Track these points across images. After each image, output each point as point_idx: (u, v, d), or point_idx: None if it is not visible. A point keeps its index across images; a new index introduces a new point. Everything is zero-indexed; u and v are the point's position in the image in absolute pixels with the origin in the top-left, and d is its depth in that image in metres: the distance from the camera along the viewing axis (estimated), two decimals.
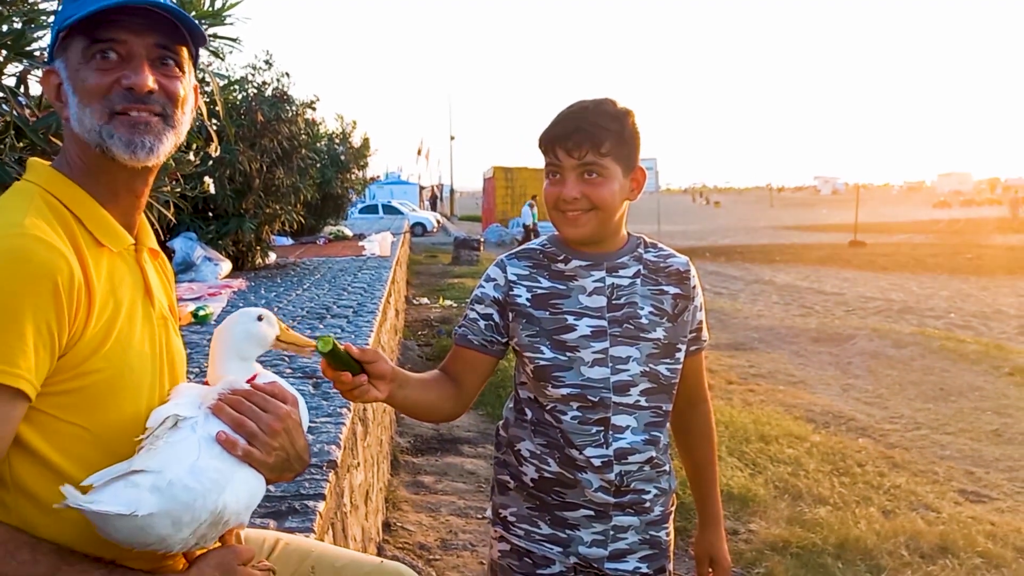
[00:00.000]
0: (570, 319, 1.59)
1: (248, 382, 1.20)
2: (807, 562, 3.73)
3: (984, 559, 3.79)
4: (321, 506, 2.05)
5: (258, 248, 8.33)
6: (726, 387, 7.17)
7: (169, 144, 1.15)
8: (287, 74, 8.32)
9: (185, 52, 1.17)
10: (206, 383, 1.24)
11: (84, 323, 1.05)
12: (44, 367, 1.01)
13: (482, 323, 1.63)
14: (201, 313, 4.78)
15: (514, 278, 1.63)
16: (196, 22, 1.15)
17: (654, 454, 1.62)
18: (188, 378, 1.33)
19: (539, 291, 1.61)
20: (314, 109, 9.03)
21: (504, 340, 1.64)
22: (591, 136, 1.50)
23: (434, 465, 5.10)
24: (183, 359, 1.30)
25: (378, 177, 24.77)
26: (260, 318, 1.26)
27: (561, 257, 1.62)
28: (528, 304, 1.61)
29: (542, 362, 1.59)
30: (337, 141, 13.28)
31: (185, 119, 1.18)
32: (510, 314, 1.62)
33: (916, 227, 34.68)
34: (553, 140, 1.54)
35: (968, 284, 15.25)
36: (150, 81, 1.10)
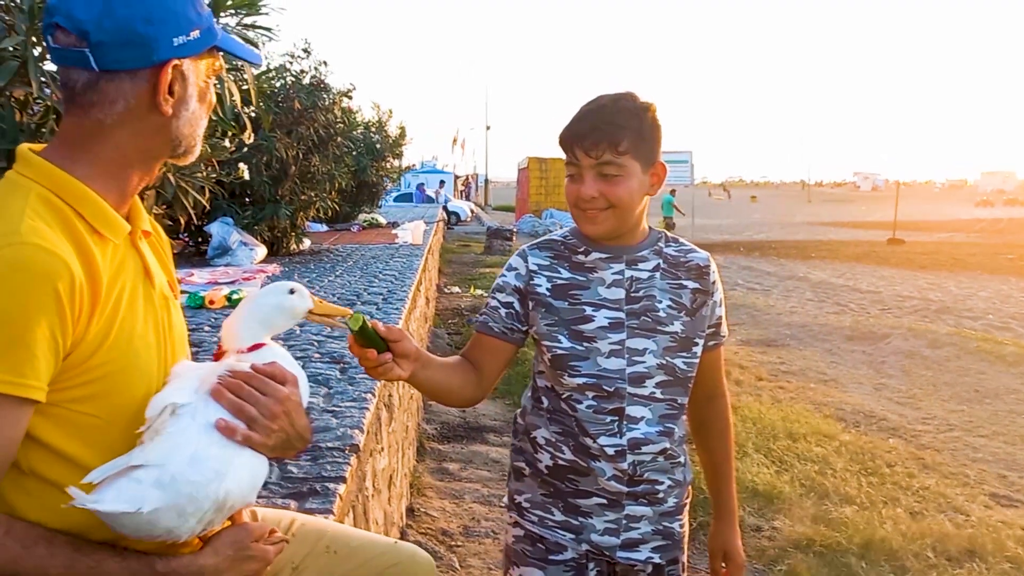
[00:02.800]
0: (588, 310, 1.61)
1: (248, 350, 1.21)
2: (830, 561, 3.70)
3: (1013, 564, 3.73)
4: (342, 488, 2.09)
5: (293, 234, 8.43)
6: (756, 383, 7.12)
7: None
8: (324, 62, 8.40)
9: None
10: (219, 353, 1.26)
11: (88, 321, 1.06)
12: (50, 370, 1.03)
13: (503, 311, 1.66)
14: (235, 297, 4.86)
15: (535, 268, 1.65)
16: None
17: (668, 445, 1.63)
18: (191, 356, 1.35)
19: (559, 281, 1.63)
20: (350, 98, 9.09)
21: (524, 328, 1.66)
22: (608, 135, 1.51)
23: (460, 452, 5.13)
24: (184, 334, 1.32)
25: (413, 166, 24.93)
26: (292, 291, 1.28)
27: (582, 249, 1.64)
28: (548, 294, 1.63)
29: (559, 351, 1.61)
30: (373, 130, 13.37)
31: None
32: (530, 303, 1.64)
33: (957, 226, 34.02)
34: (571, 139, 1.56)
35: (1008, 285, 14.93)
36: None
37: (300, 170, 8.00)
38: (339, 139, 8.61)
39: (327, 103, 8.24)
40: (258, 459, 1.16)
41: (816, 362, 8.20)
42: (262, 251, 7.34)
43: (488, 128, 49.69)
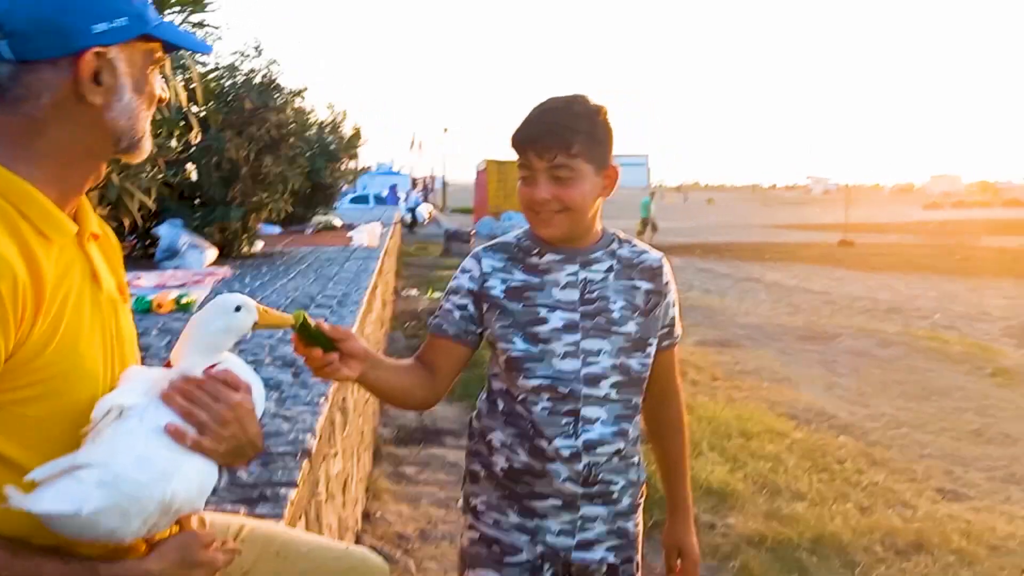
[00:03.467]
0: (543, 311, 1.61)
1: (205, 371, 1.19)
2: (782, 556, 3.75)
3: (957, 556, 3.82)
4: (293, 494, 2.05)
5: (244, 236, 8.30)
6: (711, 383, 7.20)
7: None
8: (275, 61, 8.28)
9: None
10: (167, 364, 1.23)
11: (31, 324, 1.03)
12: None
13: (457, 313, 1.65)
14: (184, 300, 4.75)
15: (489, 270, 1.64)
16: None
17: (623, 446, 1.64)
18: (143, 360, 1.32)
19: (513, 283, 1.63)
20: (303, 98, 8.99)
21: (478, 330, 1.66)
22: (560, 138, 1.51)
23: (416, 456, 5.10)
24: (133, 338, 1.29)
25: (369, 168, 24.79)
26: (238, 308, 1.24)
27: (535, 251, 1.64)
28: (502, 296, 1.62)
29: (515, 353, 1.60)
30: (327, 131, 13.25)
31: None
32: (484, 305, 1.63)
33: (906, 228, 34.84)
34: (523, 142, 1.56)
35: (956, 285, 15.33)
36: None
37: (252, 171, 7.87)
38: (292, 140, 8.49)
39: (279, 103, 8.14)
40: (208, 465, 1.13)
41: (770, 362, 8.32)
42: (212, 253, 7.21)
43: (445, 130, 49.59)
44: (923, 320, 11.23)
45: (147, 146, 1.20)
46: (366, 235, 10.06)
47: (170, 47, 1.21)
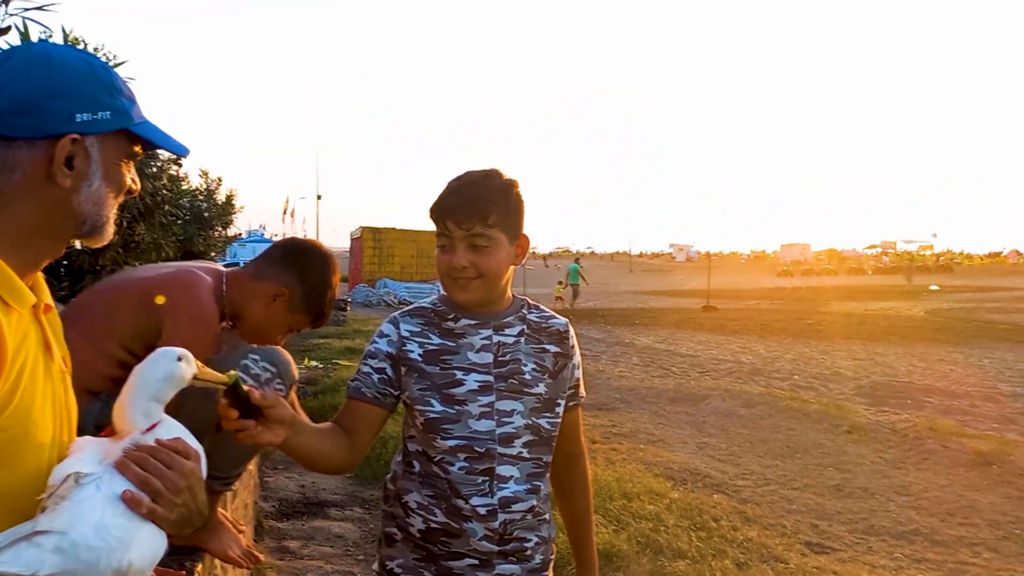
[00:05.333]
0: (459, 374, 1.68)
1: (147, 431, 1.20)
2: None
3: None
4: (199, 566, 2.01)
5: None
6: (591, 446, 7.35)
7: None
8: None
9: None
10: (110, 431, 1.23)
11: None
12: None
13: (375, 376, 1.70)
14: None
15: (407, 334, 1.71)
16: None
17: (535, 503, 1.71)
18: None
19: (430, 347, 1.70)
20: (180, 165, 8.77)
21: (396, 393, 1.71)
22: (479, 209, 1.62)
23: (300, 529, 4.97)
24: (75, 410, 1.29)
25: (240, 235, 24.16)
26: (180, 358, 1.26)
27: (451, 316, 1.72)
28: (420, 359, 1.69)
29: (432, 415, 1.66)
30: (201, 198, 12.91)
31: None
32: (402, 368, 1.69)
33: (762, 293, 36.91)
34: (443, 212, 1.65)
35: (810, 348, 16.31)
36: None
37: (124, 239, 7.59)
38: (166, 207, 8.26)
39: (154, 170, 7.92)
40: (160, 535, 1.14)
41: (645, 424, 8.60)
42: None
43: (319, 197, 49.11)
44: (783, 381, 11.87)
45: (110, 232, 1.24)
46: None
47: (150, 145, 1.26)
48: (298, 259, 2.20)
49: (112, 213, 1.23)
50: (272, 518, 5.13)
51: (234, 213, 13.86)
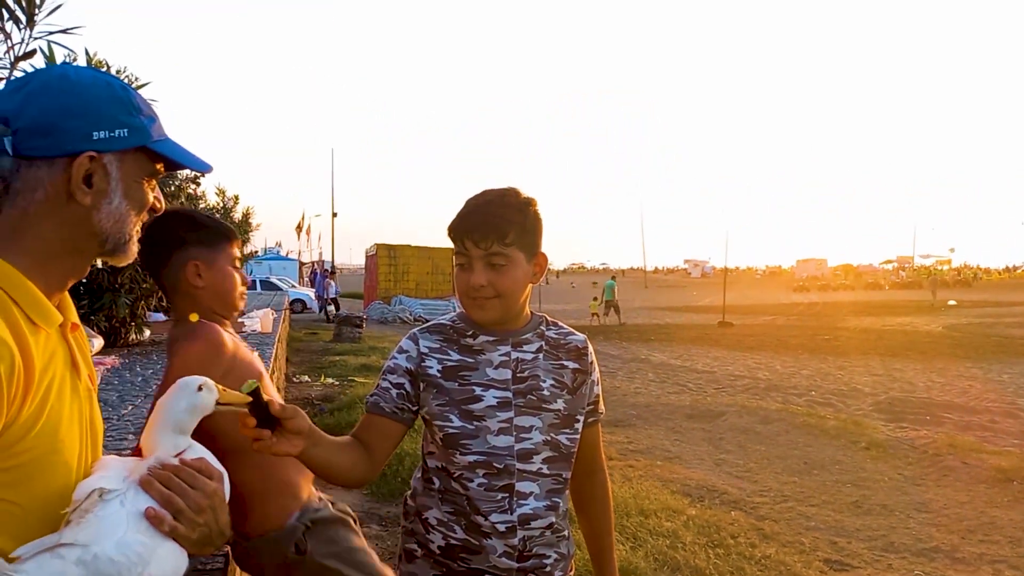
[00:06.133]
0: (478, 390, 1.70)
1: (177, 456, 1.22)
2: None
3: None
4: None
5: (133, 324, 8.02)
6: (607, 463, 7.32)
7: None
8: None
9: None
10: (137, 451, 1.25)
11: (20, 406, 1.06)
12: None
13: (394, 392, 1.71)
14: None
15: (426, 350, 1.73)
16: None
17: (555, 520, 1.72)
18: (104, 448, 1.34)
19: (449, 363, 1.72)
20: (198, 184, 8.90)
21: (415, 409, 1.73)
22: (496, 228, 1.64)
23: None
24: (101, 428, 1.31)
25: (256, 252, 24.35)
26: (200, 388, 1.28)
27: (470, 333, 1.74)
28: (439, 375, 1.71)
29: (451, 430, 1.68)
30: (218, 215, 13.08)
31: None
32: (421, 384, 1.71)
33: (778, 309, 36.77)
34: (462, 232, 1.67)
35: (827, 364, 16.21)
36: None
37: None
38: None
39: (173, 189, 8.03)
40: (181, 553, 1.16)
41: (661, 440, 8.57)
42: (99, 342, 6.92)
43: (335, 215, 49.33)
44: (800, 397, 11.80)
45: (133, 250, 1.25)
46: (259, 321, 9.88)
47: (172, 164, 1.27)
48: (159, 238, 2.04)
49: (135, 231, 1.25)
50: None
51: (251, 231, 14.06)
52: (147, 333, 8.58)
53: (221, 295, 2.11)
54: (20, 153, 1.13)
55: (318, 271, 53.73)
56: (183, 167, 1.28)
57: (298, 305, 29.82)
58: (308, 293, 34.66)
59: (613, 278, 30.13)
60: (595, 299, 29.28)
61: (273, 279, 32.84)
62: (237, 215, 13.56)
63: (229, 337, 2.08)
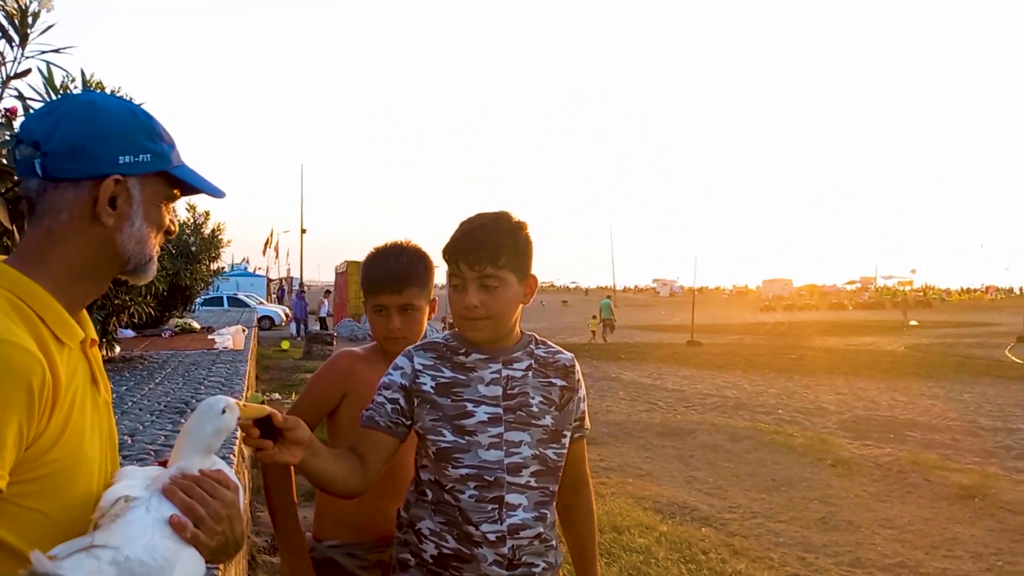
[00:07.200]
0: (469, 406, 1.77)
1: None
2: None
3: None
4: None
5: (104, 340, 7.96)
6: None
7: None
8: None
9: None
10: (163, 464, 1.30)
11: (48, 418, 1.11)
12: (12, 461, 1.06)
13: (389, 407, 1.78)
14: None
15: (420, 367, 1.80)
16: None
17: (543, 530, 1.79)
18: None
19: (442, 380, 1.79)
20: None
21: (408, 423, 1.79)
22: (489, 251, 1.72)
23: None
24: (117, 441, 1.36)
25: (224, 268, 24.11)
26: (224, 411, 1.32)
27: (462, 351, 1.81)
28: (432, 391, 1.77)
29: (443, 444, 1.75)
30: (188, 232, 12.97)
31: None
32: (415, 400, 1.78)
33: (745, 328, 37.20)
34: (456, 254, 1.75)
35: (793, 382, 16.47)
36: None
37: None
38: None
39: None
40: (200, 560, 1.20)
41: (633, 458, 8.66)
42: None
43: (304, 231, 49.01)
44: (767, 415, 11.99)
45: (153, 270, 1.31)
46: (231, 338, 9.84)
47: (188, 188, 1.33)
48: None
49: (155, 252, 1.30)
50: (265, 552, 5.14)
51: (221, 247, 13.95)
52: (117, 349, 8.52)
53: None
54: (48, 175, 1.18)
55: (286, 288, 53.21)
56: (199, 192, 1.34)
57: (266, 322, 29.60)
58: (276, 310, 34.42)
59: (609, 297, 31.11)
60: (594, 317, 29.76)
61: (241, 295, 32.58)
62: (207, 231, 13.46)
63: None
